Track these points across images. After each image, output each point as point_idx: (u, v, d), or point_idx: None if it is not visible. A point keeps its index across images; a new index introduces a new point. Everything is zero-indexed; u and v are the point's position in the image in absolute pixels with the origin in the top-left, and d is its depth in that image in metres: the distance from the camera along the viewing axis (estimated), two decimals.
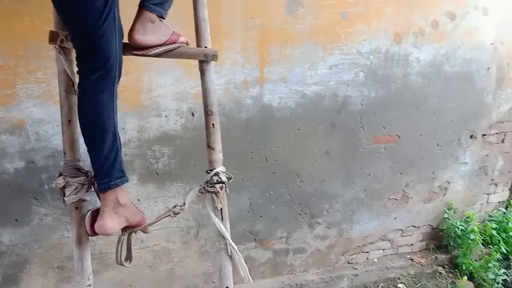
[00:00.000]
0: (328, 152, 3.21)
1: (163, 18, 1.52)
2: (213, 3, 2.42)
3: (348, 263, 3.62)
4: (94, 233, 1.46)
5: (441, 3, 3.22)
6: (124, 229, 1.57)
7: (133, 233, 1.62)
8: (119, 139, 1.46)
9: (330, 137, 3.17)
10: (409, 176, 3.59)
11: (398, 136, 3.42)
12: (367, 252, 3.69)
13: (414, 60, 3.26)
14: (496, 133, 3.87)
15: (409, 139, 3.47)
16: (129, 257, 1.67)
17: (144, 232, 1.65)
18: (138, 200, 2.70)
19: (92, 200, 1.55)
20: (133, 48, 1.50)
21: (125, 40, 1.48)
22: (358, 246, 3.62)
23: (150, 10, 1.47)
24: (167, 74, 2.51)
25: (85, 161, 2.20)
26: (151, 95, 2.52)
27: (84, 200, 1.50)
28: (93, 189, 1.50)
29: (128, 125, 2.52)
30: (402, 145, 3.45)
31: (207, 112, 1.57)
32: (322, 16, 2.84)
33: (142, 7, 1.48)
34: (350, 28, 2.97)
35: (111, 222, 1.44)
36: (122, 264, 1.65)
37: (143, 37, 1.47)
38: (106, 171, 1.43)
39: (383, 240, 3.72)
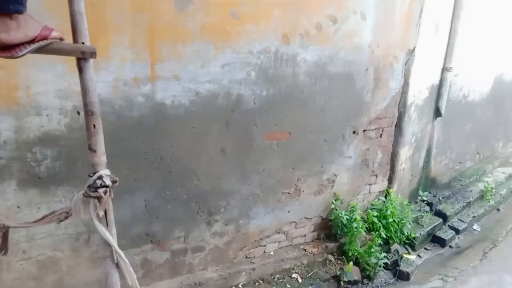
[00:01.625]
0: (224, 149, 3.25)
1: (23, 12, 1.34)
2: None
3: (246, 257, 3.70)
4: None
5: (324, 6, 3.44)
6: None
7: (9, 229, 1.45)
8: None
9: (225, 135, 3.22)
10: (300, 170, 3.78)
11: (289, 133, 3.59)
12: (263, 246, 3.81)
13: (302, 60, 3.44)
14: (375, 129, 4.25)
15: (300, 136, 3.66)
16: (3, 248, 1.52)
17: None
18: (18, 207, 2.47)
19: None
20: None
21: None
22: (255, 241, 3.72)
23: (5, 14, 1.29)
24: (47, 70, 2.33)
25: None
26: (29, 93, 2.32)
27: None
28: None
29: (2, 125, 2.29)
30: (293, 141, 3.63)
31: (88, 113, 1.47)
32: (212, 14, 2.86)
33: None
34: (241, 27, 3.04)
35: None
36: None
37: (6, 35, 1.30)
38: None
39: (279, 233, 3.87)
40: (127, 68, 2.62)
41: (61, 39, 1.44)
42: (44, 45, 1.39)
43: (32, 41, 1.36)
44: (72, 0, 1.44)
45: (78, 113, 2.50)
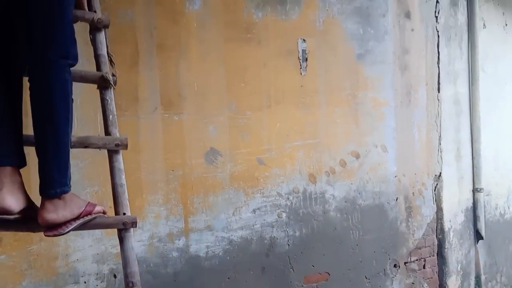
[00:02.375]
0: None
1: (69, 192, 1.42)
2: (132, 159, 2.48)
3: None
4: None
5: (345, 143, 3.56)
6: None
7: None
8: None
9: (261, 282, 3.07)
10: None
11: (328, 273, 3.42)
12: None
13: (330, 197, 3.45)
14: (417, 260, 4.03)
15: (339, 275, 3.47)
16: None
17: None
18: None
19: None
20: (45, 228, 1.37)
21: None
22: None
23: (53, 197, 1.36)
24: (86, 236, 2.37)
25: None
26: (68, 261, 2.32)
27: None
28: None
29: None
30: (333, 281, 3.43)
31: (128, 284, 1.44)
32: (240, 163, 2.98)
33: (43, 197, 1.36)
34: (268, 172, 3.13)
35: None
36: None
37: (54, 215, 1.35)
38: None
39: None
40: (161, 225, 2.65)
41: (104, 212, 1.49)
42: (88, 220, 1.43)
43: (77, 217, 1.41)
44: (114, 174, 1.52)
45: (115, 276, 2.46)
